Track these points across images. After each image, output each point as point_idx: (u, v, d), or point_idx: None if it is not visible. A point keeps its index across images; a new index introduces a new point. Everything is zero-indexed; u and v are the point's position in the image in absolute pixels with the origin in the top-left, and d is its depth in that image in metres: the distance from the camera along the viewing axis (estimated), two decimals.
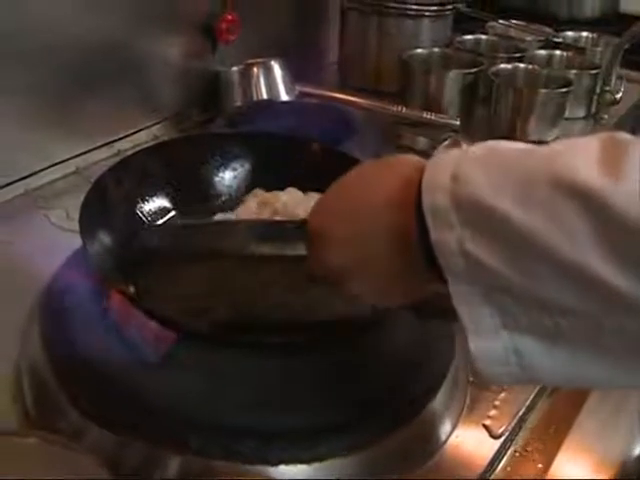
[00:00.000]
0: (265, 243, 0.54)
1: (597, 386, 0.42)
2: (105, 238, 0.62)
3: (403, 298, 0.48)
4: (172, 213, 0.71)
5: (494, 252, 0.37)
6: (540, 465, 0.57)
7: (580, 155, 0.37)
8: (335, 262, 0.47)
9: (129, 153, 0.76)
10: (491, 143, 0.42)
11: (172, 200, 0.71)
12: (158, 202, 0.70)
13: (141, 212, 0.68)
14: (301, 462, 0.51)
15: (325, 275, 0.49)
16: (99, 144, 0.92)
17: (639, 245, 0.34)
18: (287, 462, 0.51)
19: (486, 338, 0.39)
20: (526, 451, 0.58)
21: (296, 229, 0.52)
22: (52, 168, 0.88)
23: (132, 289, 0.58)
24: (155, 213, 0.70)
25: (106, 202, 0.63)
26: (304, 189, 0.69)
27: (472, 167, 0.39)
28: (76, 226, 0.72)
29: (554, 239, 0.36)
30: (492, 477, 0.56)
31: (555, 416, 0.61)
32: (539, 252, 0.36)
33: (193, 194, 0.72)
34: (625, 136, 0.37)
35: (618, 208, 0.34)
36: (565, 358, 0.38)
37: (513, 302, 0.38)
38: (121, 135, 0.94)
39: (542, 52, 1.20)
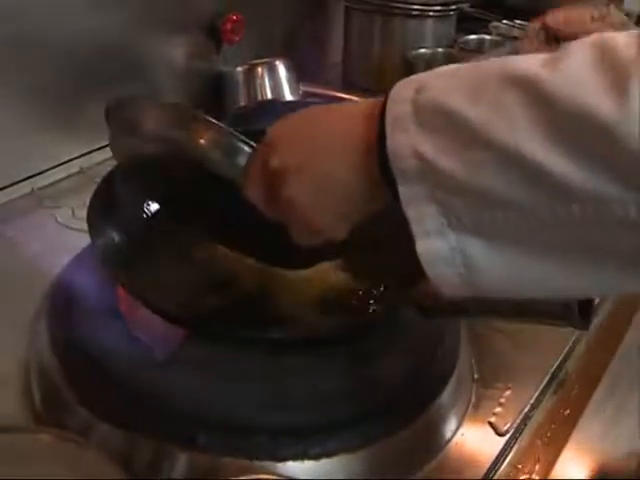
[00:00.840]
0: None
1: (540, 291, 0.42)
2: (113, 235, 0.62)
3: (336, 210, 0.47)
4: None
5: (443, 148, 0.38)
6: (545, 462, 0.57)
7: (529, 57, 0.39)
8: (278, 161, 0.47)
9: None
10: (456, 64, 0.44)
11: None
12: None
13: (148, 210, 0.68)
14: (309, 458, 0.52)
15: (264, 176, 0.48)
16: (103, 144, 0.92)
17: (574, 127, 0.35)
18: (294, 458, 0.52)
19: (433, 238, 0.40)
20: (531, 448, 0.59)
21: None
22: (57, 168, 0.89)
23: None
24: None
25: (114, 199, 0.63)
26: None
27: (434, 78, 0.41)
28: (82, 225, 0.73)
29: (497, 127, 0.37)
30: (497, 474, 0.56)
31: (560, 414, 0.62)
32: (484, 142, 0.37)
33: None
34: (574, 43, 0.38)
35: (552, 92, 0.35)
36: (507, 258, 0.39)
37: (458, 199, 0.38)
38: None
39: None
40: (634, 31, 0.36)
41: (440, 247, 0.39)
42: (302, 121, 0.49)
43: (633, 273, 0.38)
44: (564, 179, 0.35)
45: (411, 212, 0.40)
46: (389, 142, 0.40)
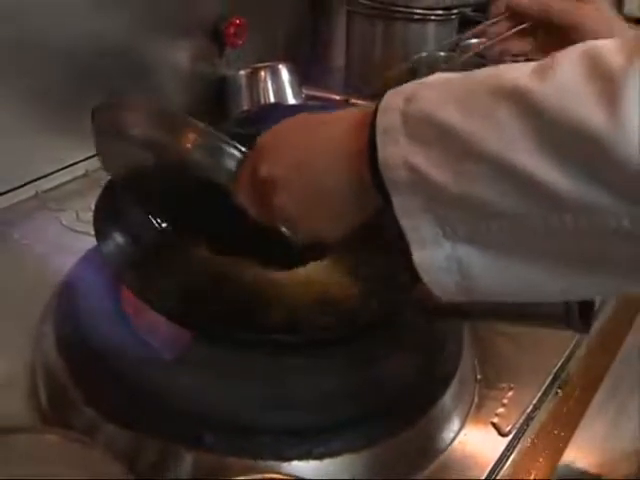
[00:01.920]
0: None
1: (536, 296, 0.43)
2: (119, 237, 0.63)
3: (328, 217, 0.47)
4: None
5: (434, 161, 0.39)
6: (547, 463, 0.58)
7: (518, 66, 0.39)
8: (267, 170, 0.47)
9: None
10: (445, 74, 0.44)
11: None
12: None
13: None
14: (313, 458, 0.52)
15: (254, 183, 0.48)
16: None
17: (564, 138, 0.35)
18: (300, 458, 0.52)
19: (428, 248, 0.40)
20: (533, 449, 0.59)
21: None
22: (62, 171, 0.89)
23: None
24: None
25: (119, 202, 0.64)
26: None
27: (424, 89, 0.41)
28: (86, 228, 0.74)
29: (488, 139, 0.37)
30: (500, 475, 0.57)
31: (563, 414, 0.62)
32: (476, 154, 0.37)
33: None
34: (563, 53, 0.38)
35: (542, 102, 0.36)
36: (503, 265, 0.39)
37: (452, 211, 0.39)
38: None
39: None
40: (624, 37, 0.36)
41: (436, 256, 0.40)
42: (292, 129, 0.49)
43: (630, 279, 0.38)
44: (555, 189, 0.35)
45: (406, 222, 0.40)
46: (380, 153, 0.40)
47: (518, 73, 0.38)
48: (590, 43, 0.37)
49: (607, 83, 0.34)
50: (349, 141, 0.44)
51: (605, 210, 0.35)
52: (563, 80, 0.36)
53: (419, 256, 0.40)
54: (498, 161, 0.37)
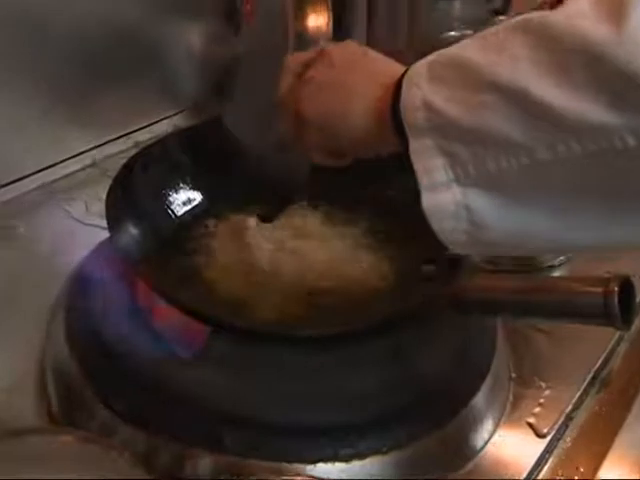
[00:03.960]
0: None
1: (546, 245, 0.45)
2: (132, 228, 0.64)
3: (344, 140, 0.53)
4: (200, 200, 0.73)
5: (451, 96, 0.43)
6: (588, 466, 0.58)
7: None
8: (315, 72, 0.54)
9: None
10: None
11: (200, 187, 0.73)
12: (186, 190, 0.72)
13: (168, 200, 0.70)
14: (339, 460, 0.53)
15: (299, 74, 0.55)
16: (116, 135, 0.94)
17: (572, 58, 0.38)
18: (325, 460, 0.53)
19: (438, 192, 0.43)
20: (573, 451, 0.59)
21: None
22: (69, 161, 0.89)
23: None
24: (183, 202, 0.72)
25: (132, 190, 0.65)
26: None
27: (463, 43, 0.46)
28: (96, 220, 0.75)
29: (502, 68, 0.41)
30: (537, 479, 0.57)
31: (604, 414, 0.62)
32: (488, 84, 0.41)
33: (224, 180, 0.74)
34: None
35: (552, 27, 0.40)
36: (512, 210, 0.42)
37: (464, 148, 0.42)
38: (140, 126, 0.95)
39: None
40: None
41: (446, 201, 0.43)
42: (350, 54, 0.55)
43: None
44: (562, 112, 0.38)
45: (419, 165, 0.44)
46: (403, 97, 0.45)
47: (537, 13, 0.42)
48: None
49: (614, 5, 0.38)
50: (382, 86, 0.49)
51: (610, 130, 0.37)
52: (574, 7, 0.40)
53: (428, 200, 0.44)
54: (510, 89, 0.40)
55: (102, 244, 0.69)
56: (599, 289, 0.53)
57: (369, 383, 0.58)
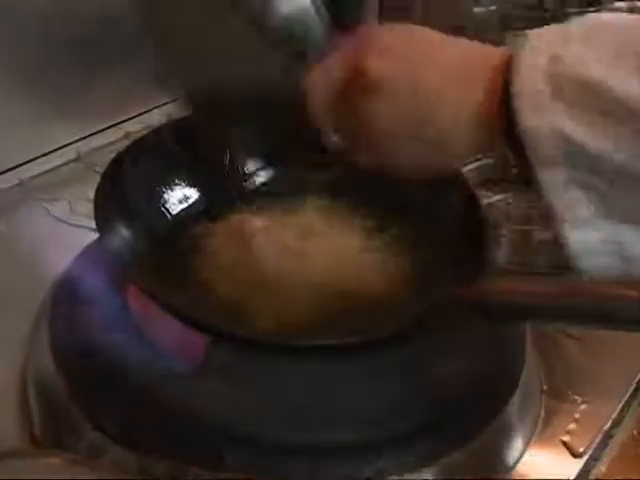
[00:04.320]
0: None
1: None
2: (124, 229, 0.63)
3: (423, 146, 0.49)
4: (196, 197, 0.73)
5: (588, 126, 0.41)
6: None
7: None
8: (378, 66, 0.48)
9: (139, 136, 0.77)
10: (593, 17, 0.46)
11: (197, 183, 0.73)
12: (181, 186, 0.72)
13: (162, 198, 0.70)
14: None
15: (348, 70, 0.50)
16: (104, 126, 0.93)
17: None
18: None
19: (583, 228, 0.43)
20: (613, 472, 0.58)
21: None
22: (50, 155, 0.89)
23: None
24: (179, 200, 0.72)
25: (122, 187, 0.65)
26: None
27: (564, 45, 0.43)
28: (81, 220, 0.75)
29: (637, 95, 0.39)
30: None
31: None
32: (631, 116, 0.40)
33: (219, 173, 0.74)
34: None
35: None
36: None
37: (603, 183, 0.41)
38: (130, 115, 0.95)
39: (622, 3, 1.19)
40: None
41: (594, 239, 0.43)
42: (413, 39, 0.51)
43: None
44: None
45: (554, 197, 0.42)
46: (523, 120, 0.42)
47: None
48: None
49: None
50: (478, 94, 0.46)
51: None
52: None
53: (575, 237, 0.43)
54: None
55: (90, 246, 0.69)
56: (635, 293, 0.53)
57: (387, 397, 0.57)
